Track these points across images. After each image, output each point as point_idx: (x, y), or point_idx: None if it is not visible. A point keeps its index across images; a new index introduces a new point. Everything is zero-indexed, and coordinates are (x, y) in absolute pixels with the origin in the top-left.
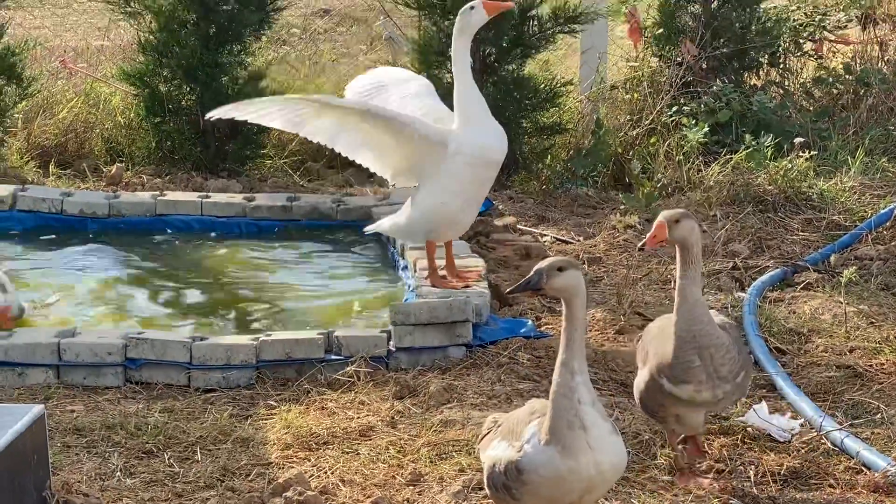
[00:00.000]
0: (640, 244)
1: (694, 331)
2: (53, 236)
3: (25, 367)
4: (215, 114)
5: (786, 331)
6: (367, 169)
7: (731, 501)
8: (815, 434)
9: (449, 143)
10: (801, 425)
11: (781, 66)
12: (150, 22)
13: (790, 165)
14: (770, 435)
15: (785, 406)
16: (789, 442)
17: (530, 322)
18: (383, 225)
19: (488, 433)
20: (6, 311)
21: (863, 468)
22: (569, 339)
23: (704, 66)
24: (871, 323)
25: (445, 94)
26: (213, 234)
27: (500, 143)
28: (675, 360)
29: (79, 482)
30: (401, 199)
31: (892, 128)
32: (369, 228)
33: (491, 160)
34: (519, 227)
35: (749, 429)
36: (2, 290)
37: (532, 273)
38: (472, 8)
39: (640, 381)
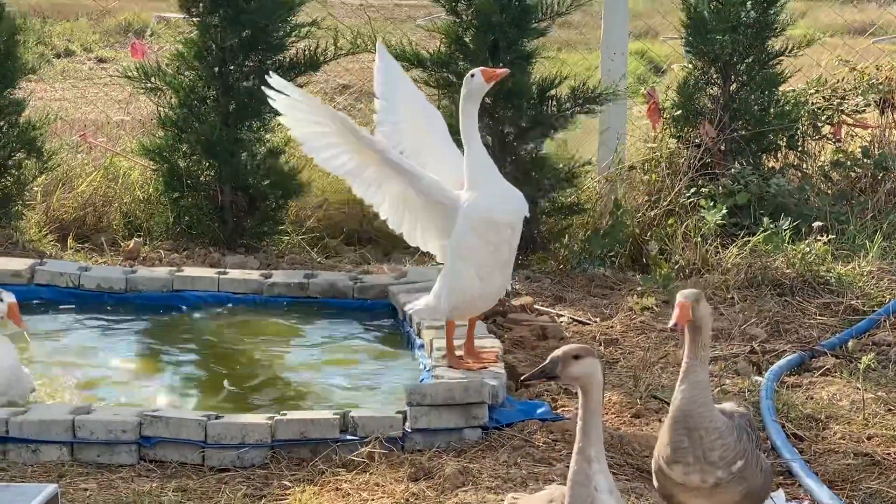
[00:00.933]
0: (670, 325)
1: (686, 411)
2: (70, 310)
3: (39, 443)
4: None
5: (803, 416)
6: (384, 246)
7: None
8: None
9: (458, 209)
10: None
11: (800, 149)
12: (171, 97)
13: (808, 249)
14: None
15: (802, 494)
16: None
17: (547, 404)
18: (418, 305)
19: None
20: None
21: None
22: (585, 426)
23: (723, 147)
24: (890, 410)
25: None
26: (229, 311)
27: (505, 205)
28: (668, 439)
29: None
30: (418, 278)
31: None
32: (409, 308)
33: (495, 222)
34: (536, 307)
35: None
36: None
37: (548, 361)
38: (472, 76)
39: (652, 467)
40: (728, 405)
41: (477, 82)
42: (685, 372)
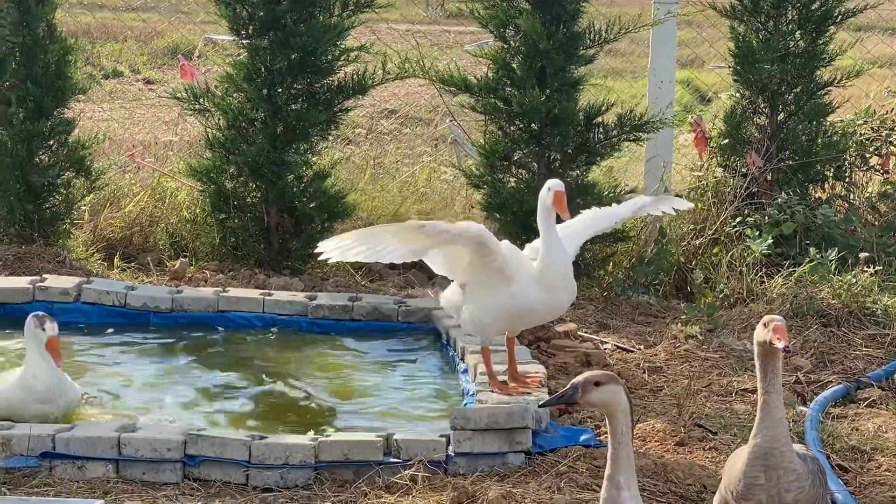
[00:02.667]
0: (782, 346)
1: (767, 448)
2: (116, 329)
3: (85, 460)
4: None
5: (848, 448)
6: (428, 271)
7: None
8: None
9: (514, 282)
10: None
11: (847, 179)
12: (219, 119)
13: (854, 280)
14: None
15: None
16: None
17: (590, 430)
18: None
19: None
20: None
21: None
22: (614, 454)
23: (769, 177)
24: None
25: (508, 197)
26: (273, 332)
27: (554, 303)
28: (742, 475)
29: None
30: None
31: None
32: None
33: (534, 318)
34: (580, 333)
35: None
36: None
37: (568, 386)
38: (549, 189)
39: (714, 501)
40: (799, 447)
41: (548, 198)
42: (765, 407)
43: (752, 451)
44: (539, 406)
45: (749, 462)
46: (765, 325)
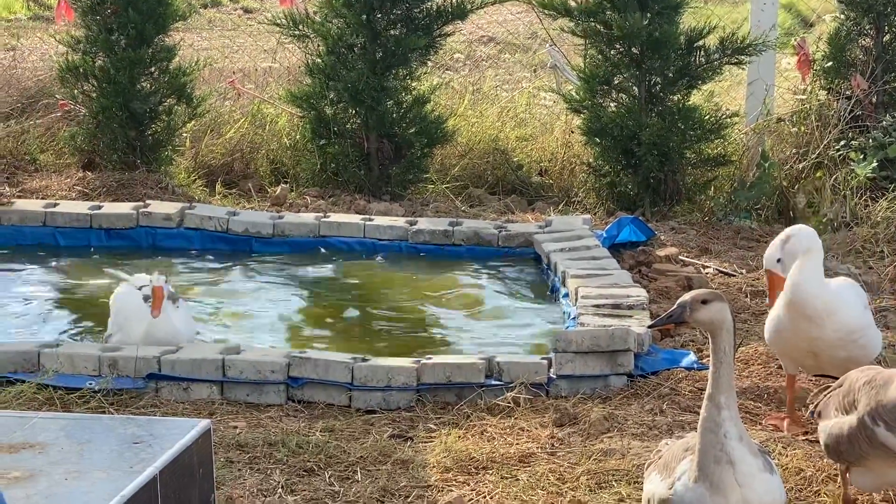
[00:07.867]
0: None
1: None
2: (219, 254)
3: (190, 381)
4: None
5: None
6: (528, 196)
7: None
8: None
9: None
10: None
11: None
12: (318, 45)
13: None
14: None
15: None
16: None
17: (692, 353)
18: None
19: (655, 460)
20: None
21: None
22: (715, 373)
23: (874, 100)
24: None
25: (608, 122)
26: (374, 257)
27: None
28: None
29: (241, 497)
30: (562, 227)
31: None
32: None
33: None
34: (681, 257)
35: None
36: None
37: (675, 306)
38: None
39: (837, 428)
40: None
41: None
42: None
43: None
44: (648, 327)
45: None
46: None
